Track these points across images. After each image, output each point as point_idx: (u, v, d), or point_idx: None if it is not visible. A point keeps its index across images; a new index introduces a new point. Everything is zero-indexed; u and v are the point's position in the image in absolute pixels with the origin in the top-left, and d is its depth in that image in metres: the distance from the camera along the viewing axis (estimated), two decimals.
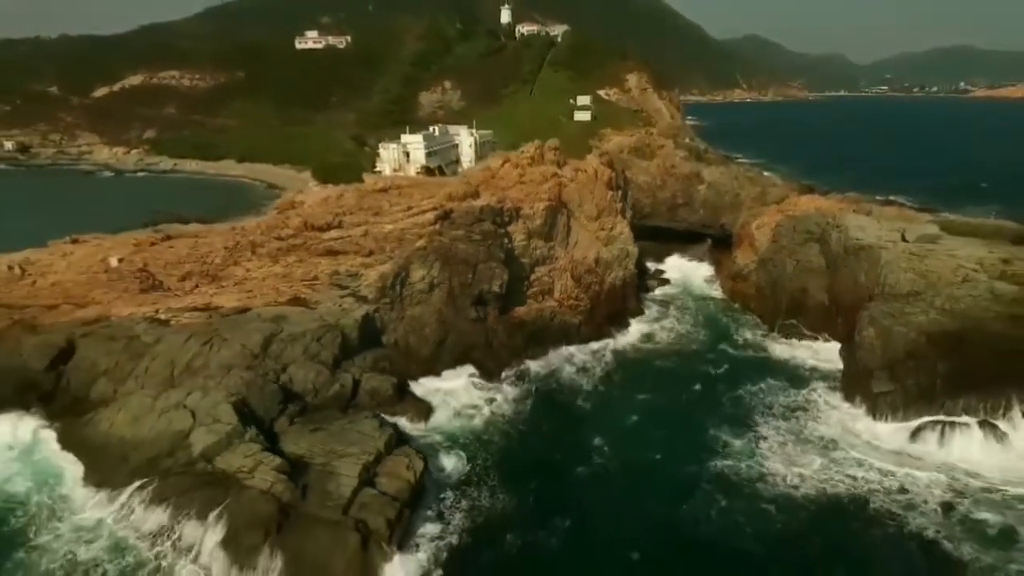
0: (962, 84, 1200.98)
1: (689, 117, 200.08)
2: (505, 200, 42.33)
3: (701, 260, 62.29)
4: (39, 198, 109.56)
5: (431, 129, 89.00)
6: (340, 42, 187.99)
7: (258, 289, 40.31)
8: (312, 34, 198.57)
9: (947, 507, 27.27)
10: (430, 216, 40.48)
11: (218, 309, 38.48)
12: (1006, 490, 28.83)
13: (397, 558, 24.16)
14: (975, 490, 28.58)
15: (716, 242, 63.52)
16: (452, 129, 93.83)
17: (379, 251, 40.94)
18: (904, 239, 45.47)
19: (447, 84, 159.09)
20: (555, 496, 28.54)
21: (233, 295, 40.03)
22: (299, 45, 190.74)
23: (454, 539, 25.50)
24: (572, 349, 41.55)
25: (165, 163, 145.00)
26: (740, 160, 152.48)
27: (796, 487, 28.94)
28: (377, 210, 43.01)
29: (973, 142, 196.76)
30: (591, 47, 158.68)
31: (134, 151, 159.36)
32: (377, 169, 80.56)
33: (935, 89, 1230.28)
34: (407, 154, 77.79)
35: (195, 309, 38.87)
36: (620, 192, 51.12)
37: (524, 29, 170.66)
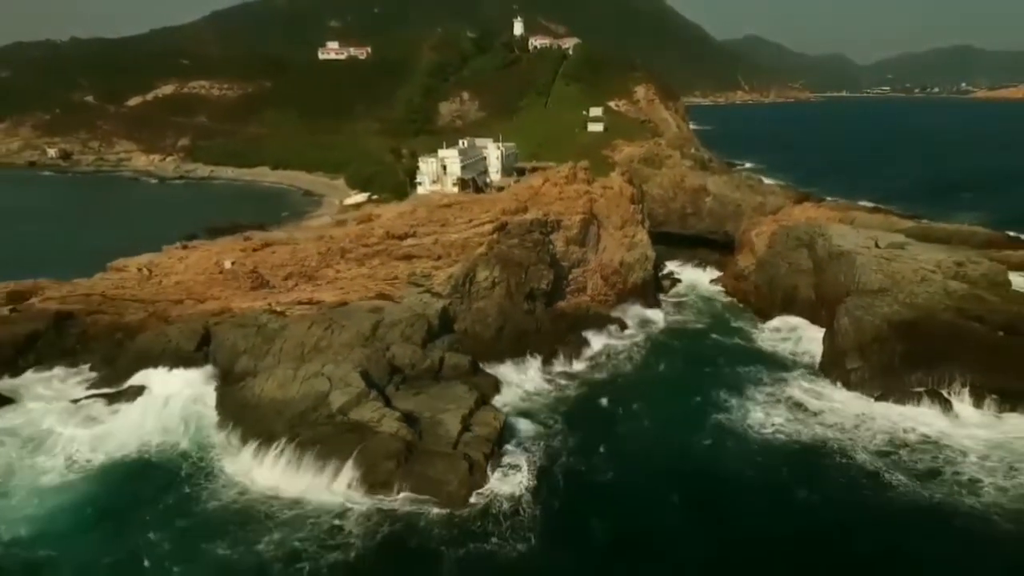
0: (963, 84, 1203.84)
1: (692, 123, 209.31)
2: (549, 213, 51.72)
3: (708, 262, 71.62)
4: (103, 203, 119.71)
5: (461, 143, 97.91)
6: (361, 53, 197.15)
7: (349, 287, 49.69)
8: (333, 45, 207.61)
9: (888, 451, 36.46)
10: (488, 227, 49.80)
11: (320, 303, 47.92)
12: (939, 441, 37.95)
13: (494, 478, 33.61)
14: (914, 440, 37.73)
15: (721, 247, 72.81)
16: (480, 142, 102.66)
17: (446, 256, 50.31)
18: (877, 246, 54.66)
19: (465, 95, 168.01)
20: (604, 438, 37.95)
21: (329, 292, 49.44)
22: (322, 56, 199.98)
23: (532, 463, 35.04)
24: (604, 336, 50.90)
25: (202, 170, 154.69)
26: (744, 166, 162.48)
27: (773, 433, 38.60)
28: (444, 222, 52.37)
29: (970, 147, 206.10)
30: (601, 60, 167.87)
31: (170, 158, 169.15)
32: (417, 180, 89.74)
33: (936, 90, 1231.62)
34: (444, 167, 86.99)
35: (300, 303, 48.35)
36: (640, 205, 60.46)
37: (537, 42, 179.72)
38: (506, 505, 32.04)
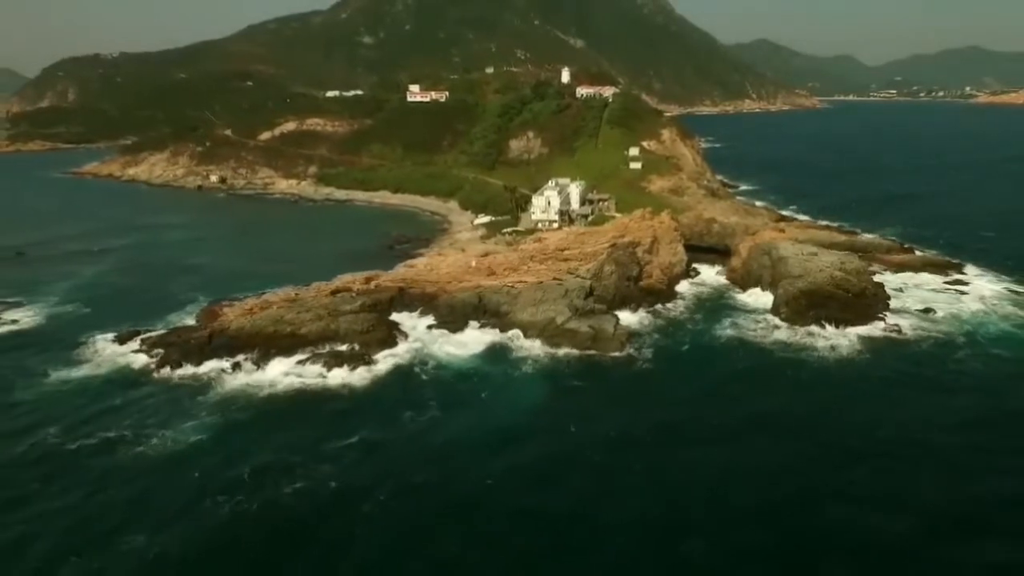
0: (967, 89, 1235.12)
1: (703, 140, 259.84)
2: (635, 237, 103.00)
3: (716, 263, 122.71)
4: (291, 220, 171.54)
5: (552, 182, 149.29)
6: (441, 96, 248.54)
7: (538, 274, 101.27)
8: (415, 88, 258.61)
9: (784, 344, 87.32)
10: (606, 245, 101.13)
11: (526, 281, 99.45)
12: (810, 343, 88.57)
13: (629, 348, 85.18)
14: (799, 341, 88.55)
15: (723, 253, 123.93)
16: (562, 181, 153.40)
17: (584, 258, 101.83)
18: (802, 254, 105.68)
19: (530, 134, 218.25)
20: (666, 338, 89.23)
21: (529, 276, 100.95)
22: (409, 99, 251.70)
23: (641, 344, 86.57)
24: (662, 300, 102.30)
25: (338, 193, 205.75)
26: (744, 188, 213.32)
27: (733, 339, 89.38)
28: (583, 242, 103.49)
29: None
30: (635, 108, 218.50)
31: (304, 183, 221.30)
32: (531, 210, 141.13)
33: (941, 94, 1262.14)
34: (548, 201, 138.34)
35: (517, 282, 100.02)
36: (677, 231, 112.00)
37: (583, 91, 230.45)
38: (635, 356, 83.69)
